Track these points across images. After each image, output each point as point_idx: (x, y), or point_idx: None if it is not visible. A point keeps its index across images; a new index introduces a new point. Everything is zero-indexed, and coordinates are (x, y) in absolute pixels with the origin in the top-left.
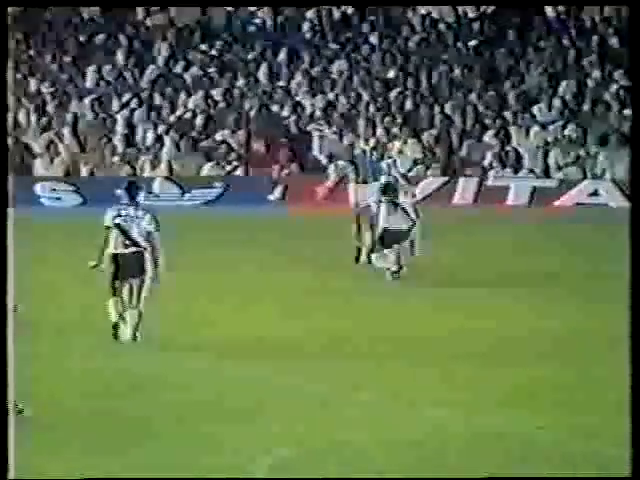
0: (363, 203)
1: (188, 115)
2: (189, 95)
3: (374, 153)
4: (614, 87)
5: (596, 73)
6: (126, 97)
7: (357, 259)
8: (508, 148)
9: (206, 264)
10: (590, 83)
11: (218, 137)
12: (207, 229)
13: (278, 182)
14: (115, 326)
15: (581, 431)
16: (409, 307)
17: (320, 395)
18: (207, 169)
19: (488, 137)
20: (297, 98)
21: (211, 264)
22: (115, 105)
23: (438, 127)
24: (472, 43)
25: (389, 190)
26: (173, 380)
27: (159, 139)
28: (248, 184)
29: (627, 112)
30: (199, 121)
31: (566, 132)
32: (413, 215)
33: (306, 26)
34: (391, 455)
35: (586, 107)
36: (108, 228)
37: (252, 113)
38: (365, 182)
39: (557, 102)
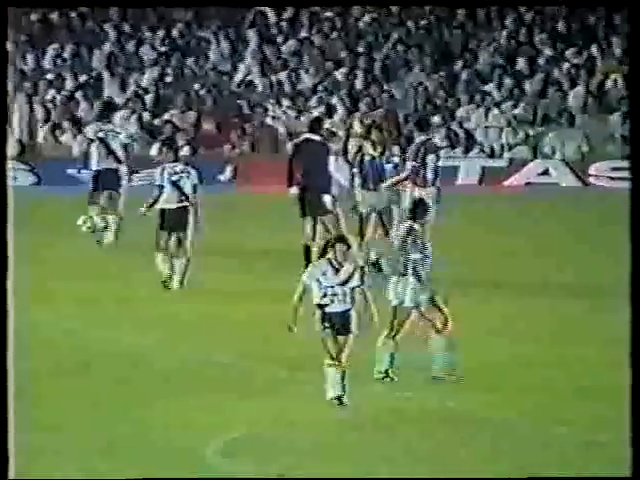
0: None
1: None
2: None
3: (382, 158)
4: (565, 66)
5: (547, 51)
6: (82, 78)
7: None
8: (457, 128)
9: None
10: (541, 61)
11: (167, 117)
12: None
13: (229, 162)
14: (165, 280)
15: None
16: None
17: None
18: (155, 149)
19: (438, 117)
20: (249, 77)
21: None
22: (69, 84)
23: (385, 106)
24: (423, 22)
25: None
26: None
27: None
28: (198, 164)
29: (577, 90)
30: (149, 100)
31: (516, 111)
32: None
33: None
34: None
35: (537, 86)
36: (161, 186)
37: (202, 92)
38: (373, 189)
39: (508, 81)
